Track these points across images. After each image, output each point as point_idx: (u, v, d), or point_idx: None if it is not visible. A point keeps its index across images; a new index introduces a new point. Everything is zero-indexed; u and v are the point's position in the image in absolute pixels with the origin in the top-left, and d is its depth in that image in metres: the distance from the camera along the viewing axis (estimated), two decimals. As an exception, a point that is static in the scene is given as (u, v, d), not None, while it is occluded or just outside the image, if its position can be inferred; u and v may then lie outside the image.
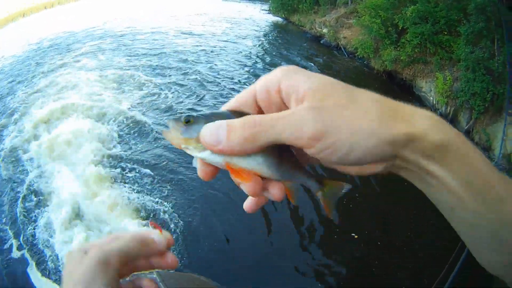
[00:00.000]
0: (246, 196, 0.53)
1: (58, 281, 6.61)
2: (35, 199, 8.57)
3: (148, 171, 9.39)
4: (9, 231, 7.74)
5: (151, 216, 7.84)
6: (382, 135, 0.39)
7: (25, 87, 14.45)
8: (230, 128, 0.43)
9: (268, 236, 7.59)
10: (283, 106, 0.46)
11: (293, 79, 0.43)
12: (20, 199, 8.54)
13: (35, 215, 8.13)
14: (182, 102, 13.13)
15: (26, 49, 19.77)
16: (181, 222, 7.74)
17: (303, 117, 0.40)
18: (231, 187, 8.69)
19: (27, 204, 8.41)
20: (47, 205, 8.34)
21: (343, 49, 18.41)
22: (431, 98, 12.01)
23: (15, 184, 9.12)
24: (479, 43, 9.95)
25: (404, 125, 0.39)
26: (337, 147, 0.40)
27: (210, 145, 0.45)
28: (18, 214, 8.14)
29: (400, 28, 13.92)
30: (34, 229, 7.77)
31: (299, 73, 0.44)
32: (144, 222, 7.71)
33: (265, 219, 7.82)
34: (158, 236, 0.61)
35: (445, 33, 12.06)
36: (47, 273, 6.80)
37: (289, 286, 6.64)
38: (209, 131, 0.45)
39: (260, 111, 0.48)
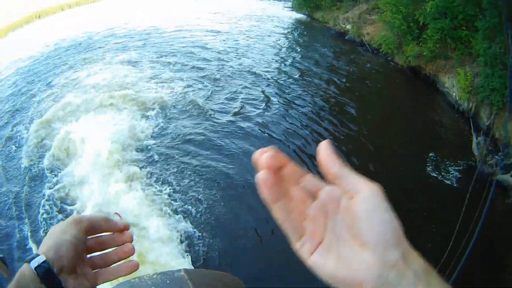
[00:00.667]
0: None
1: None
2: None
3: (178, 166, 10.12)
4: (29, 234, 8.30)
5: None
6: (398, 236, 0.44)
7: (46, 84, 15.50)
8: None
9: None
10: None
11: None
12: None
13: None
14: (211, 97, 13.95)
15: (44, 50, 20.26)
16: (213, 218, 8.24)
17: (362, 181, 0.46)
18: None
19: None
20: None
21: (367, 45, 18.40)
22: (454, 94, 11.98)
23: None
24: (496, 38, 9.89)
25: (409, 247, 0.45)
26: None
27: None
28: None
29: (421, 23, 13.86)
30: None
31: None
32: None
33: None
34: (117, 219, 0.77)
35: (463, 28, 11.98)
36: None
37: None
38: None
39: None
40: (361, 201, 0.45)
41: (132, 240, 0.76)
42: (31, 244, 7.86)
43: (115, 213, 0.83)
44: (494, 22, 9.65)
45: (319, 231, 0.49)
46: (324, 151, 0.49)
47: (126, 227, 0.77)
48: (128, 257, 0.76)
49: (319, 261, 0.49)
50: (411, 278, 0.43)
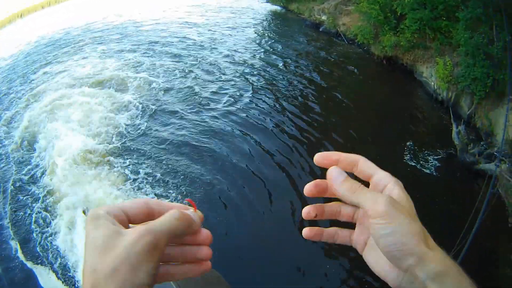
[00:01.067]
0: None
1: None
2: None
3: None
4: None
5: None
6: (414, 247, 0.53)
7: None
8: (346, 179, 0.62)
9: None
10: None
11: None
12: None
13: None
14: (187, 86, 14.08)
15: (25, 48, 20.86)
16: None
17: (382, 200, 0.55)
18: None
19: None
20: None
21: (342, 35, 18.38)
22: (432, 83, 12.11)
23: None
24: (478, 28, 9.99)
25: (428, 249, 0.53)
26: (387, 228, 0.55)
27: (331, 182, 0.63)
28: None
29: (399, 14, 13.91)
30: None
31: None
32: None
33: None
34: (193, 214, 0.61)
35: (444, 18, 12.08)
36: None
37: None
38: (336, 172, 0.62)
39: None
40: (372, 226, 0.56)
41: (211, 241, 0.63)
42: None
43: (187, 199, 0.67)
44: (477, 12, 9.74)
45: (365, 232, 0.66)
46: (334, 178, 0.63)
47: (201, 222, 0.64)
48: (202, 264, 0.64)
49: (367, 257, 0.64)
50: (422, 281, 0.52)
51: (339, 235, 0.69)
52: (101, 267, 0.49)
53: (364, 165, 0.64)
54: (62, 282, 7.05)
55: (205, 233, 0.62)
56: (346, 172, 0.64)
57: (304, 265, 7.25)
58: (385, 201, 0.55)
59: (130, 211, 0.58)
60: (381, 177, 0.62)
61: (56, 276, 7.18)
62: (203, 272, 0.62)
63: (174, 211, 0.57)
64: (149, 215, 0.59)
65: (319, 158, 0.65)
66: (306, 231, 0.68)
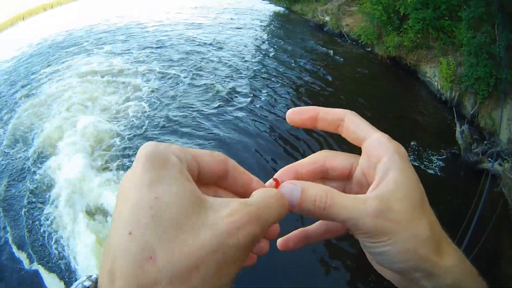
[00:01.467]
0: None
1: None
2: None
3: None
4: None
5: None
6: (420, 263, 0.41)
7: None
8: (303, 193, 0.42)
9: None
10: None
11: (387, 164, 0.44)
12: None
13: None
14: (192, 87, 14.14)
15: (27, 50, 20.87)
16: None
17: (367, 214, 0.41)
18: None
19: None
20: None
21: (346, 36, 18.40)
22: (436, 83, 12.10)
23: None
24: (481, 28, 9.99)
25: (438, 259, 0.42)
26: (385, 246, 0.41)
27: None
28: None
29: (401, 14, 13.92)
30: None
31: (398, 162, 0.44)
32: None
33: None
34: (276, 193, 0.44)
35: (446, 18, 12.08)
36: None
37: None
38: (288, 191, 0.43)
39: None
40: (360, 242, 0.45)
41: (278, 233, 0.49)
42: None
43: (274, 178, 0.49)
44: (479, 12, 9.75)
45: None
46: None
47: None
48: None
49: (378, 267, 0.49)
50: None
51: (331, 228, 0.52)
52: (169, 257, 0.30)
53: (351, 124, 0.48)
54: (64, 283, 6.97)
55: (276, 226, 0.47)
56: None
57: (305, 264, 7.21)
58: (370, 215, 0.40)
59: (205, 167, 0.40)
60: (374, 144, 0.45)
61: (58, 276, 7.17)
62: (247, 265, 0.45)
63: (280, 195, 0.41)
64: (222, 179, 0.42)
65: (291, 114, 0.49)
66: (281, 242, 0.52)
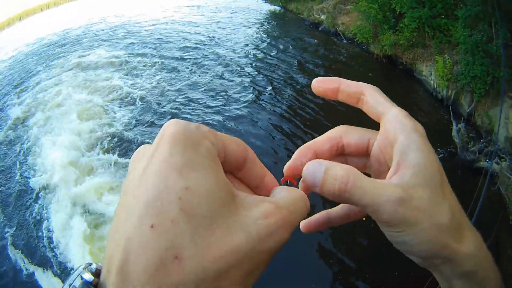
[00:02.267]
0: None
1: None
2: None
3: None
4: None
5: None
6: (440, 251, 0.41)
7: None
8: (326, 174, 0.40)
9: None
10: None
11: (405, 144, 0.42)
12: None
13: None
14: (190, 85, 14.24)
15: (24, 49, 21.31)
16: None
17: (388, 202, 0.39)
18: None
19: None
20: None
21: (341, 35, 18.36)
22: (432, 81, 12.09)
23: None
24: (477, 26, 9.98)
25: (458, 245, 0.41)
26: (405, 234, 0.40)
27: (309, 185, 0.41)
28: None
29: (397, 12, 13.90)
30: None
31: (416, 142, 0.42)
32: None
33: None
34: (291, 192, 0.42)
35: (443, 16, 12.05)
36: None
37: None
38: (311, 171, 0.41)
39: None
40: (381, 229, 0.43)
41: None
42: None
43: (288, 177, 0.47)
44: (476, 10, 9.73)
45: None
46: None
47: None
48: None
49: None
50: (447, 277, 0.44)
51: (353, 210, 0.51)
52: (198, 259, 0.26)
53: (371, 98, 0.47)
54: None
55: None
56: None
57: (308, 263, 7.17)
58: (391, 203, 0.38)
59: (230, 155, 0.36)
60: (391, 120, 0.44)
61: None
62: None
63: (306, 197, 0.39)
64: (238, 168, 0.39)
65: (316, 83, 0.49)
66: (303, 224, 0.52)
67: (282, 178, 0.47)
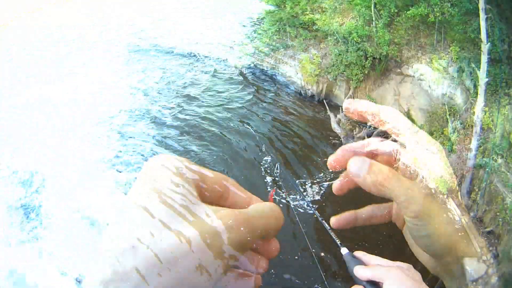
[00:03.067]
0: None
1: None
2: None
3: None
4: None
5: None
6: (452, 248, 0.54)
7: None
8: (372, 166, 0.54)
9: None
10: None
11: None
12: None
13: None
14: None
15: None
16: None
17: (420, 194, 0.51)
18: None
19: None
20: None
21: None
22: (299, 80, 11.69)
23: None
24: (351, 12, 10.08)
25: (468, 246, 0.53)
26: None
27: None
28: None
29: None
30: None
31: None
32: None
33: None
34: (273, 208, 0.50)
35: (307, 13, 11.89)
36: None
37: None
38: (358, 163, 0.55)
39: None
40: (408, 224, 0.55)
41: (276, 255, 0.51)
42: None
43: (272, 192, 0.62)
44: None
45: None
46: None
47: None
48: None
49: (406, 235, 0.63)
50: (458, 276, 0.55)
51: (377, 214, 0.65)
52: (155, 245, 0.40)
53: (392, 122, 0.58)
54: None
55: (275, 243, 0.50)
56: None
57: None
58: (421, 199, 0.51)
59: (207, 185, 0.45)
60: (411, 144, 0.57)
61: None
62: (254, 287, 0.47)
63: (273, 206, 0.48)
64: (222, 198, 0.47)
65: (348, 105, 0.61)
66: (333, 220, 0.64)
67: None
